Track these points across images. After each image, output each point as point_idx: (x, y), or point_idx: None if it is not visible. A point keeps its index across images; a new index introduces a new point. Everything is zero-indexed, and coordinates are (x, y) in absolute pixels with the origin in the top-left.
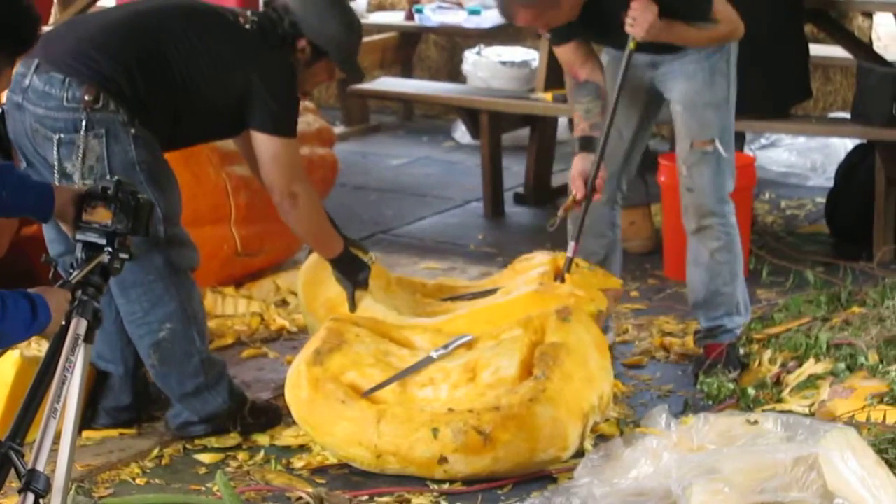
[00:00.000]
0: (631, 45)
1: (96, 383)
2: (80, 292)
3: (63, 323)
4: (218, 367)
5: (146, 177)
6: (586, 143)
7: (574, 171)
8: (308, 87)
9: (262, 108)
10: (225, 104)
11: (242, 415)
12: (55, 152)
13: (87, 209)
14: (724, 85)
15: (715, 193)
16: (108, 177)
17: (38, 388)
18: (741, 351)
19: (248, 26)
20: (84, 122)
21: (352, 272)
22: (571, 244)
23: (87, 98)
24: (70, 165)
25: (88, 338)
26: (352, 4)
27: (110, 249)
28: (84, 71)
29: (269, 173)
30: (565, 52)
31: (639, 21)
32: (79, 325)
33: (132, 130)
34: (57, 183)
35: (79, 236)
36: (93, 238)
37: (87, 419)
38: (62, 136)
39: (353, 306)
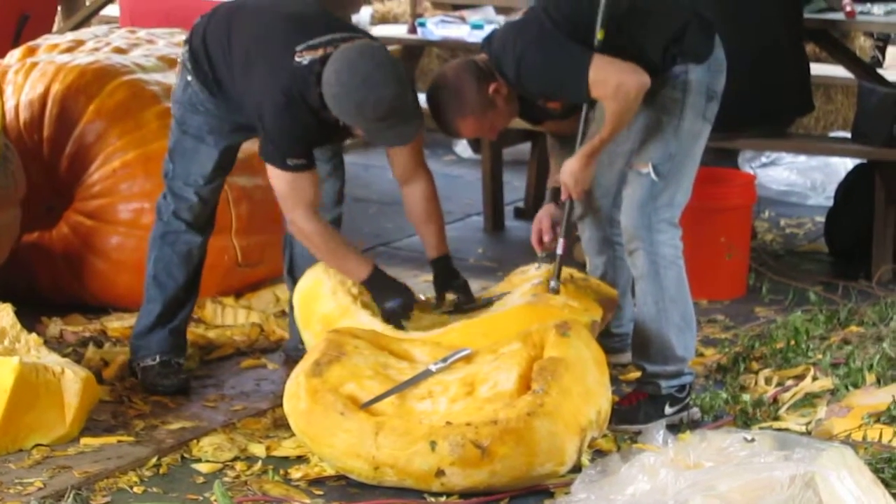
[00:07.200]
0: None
1: None
2: None
3: None
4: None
5: (177, 116)
6: (557, 195)
7: (535, 222)
8: (356, 138)
9: (261, 133)
10: (247, 109)
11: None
12: None
13: None
14: (676, 114)
15: (641, 218)
16: (178, 101)
17: None
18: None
19: (299, 60)
20: (181, 54)
21: (380, 298)
22: (561, 241)
23: (184, 38)
24: None
25: None
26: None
27: None
28: (201, 20)
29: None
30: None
31: (571, 189)
32: None
33: (188, 77)
34: None
35: None
36: None
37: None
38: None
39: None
